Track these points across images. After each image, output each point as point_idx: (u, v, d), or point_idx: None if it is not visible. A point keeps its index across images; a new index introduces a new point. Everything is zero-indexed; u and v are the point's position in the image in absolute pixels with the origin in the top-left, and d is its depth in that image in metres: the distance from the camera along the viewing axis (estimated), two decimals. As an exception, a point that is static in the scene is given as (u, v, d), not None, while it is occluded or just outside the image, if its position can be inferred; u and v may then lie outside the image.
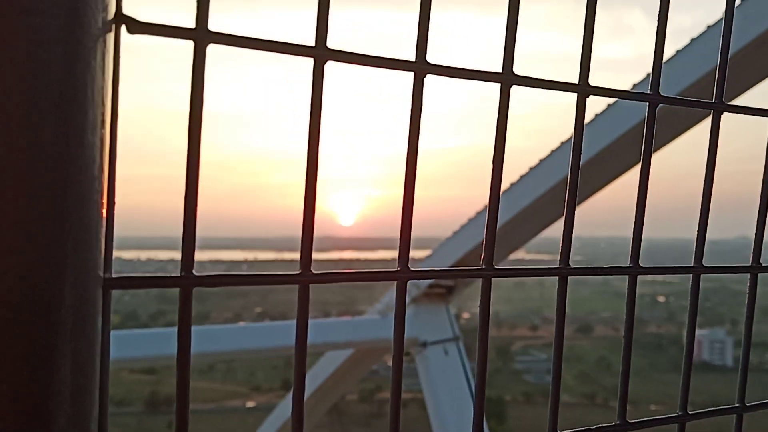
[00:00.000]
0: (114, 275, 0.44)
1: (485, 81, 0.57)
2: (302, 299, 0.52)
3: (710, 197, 0.71)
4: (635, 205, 0.68)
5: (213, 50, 0.46)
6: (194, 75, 0.46)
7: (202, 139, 0.46)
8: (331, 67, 0.51)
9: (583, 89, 0.61)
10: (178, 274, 0.46)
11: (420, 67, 0.53)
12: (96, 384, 0.41)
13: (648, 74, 0.67)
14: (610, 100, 3.21)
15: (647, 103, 0.66)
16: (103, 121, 0.40)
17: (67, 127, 0.37)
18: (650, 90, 0.66)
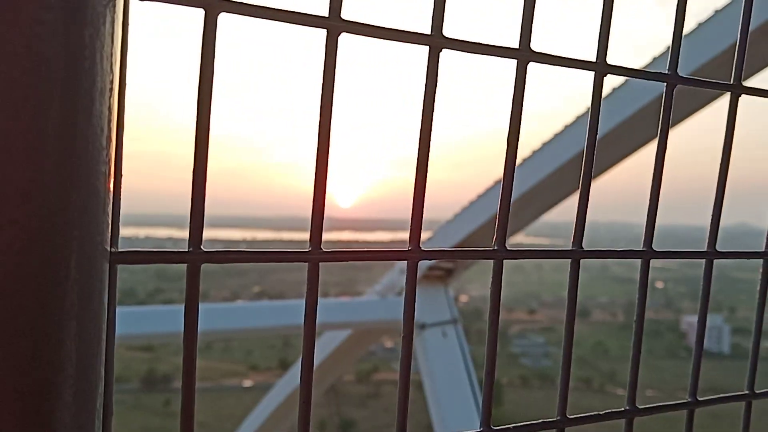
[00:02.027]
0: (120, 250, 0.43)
1: (502, 57, 0.55)
2: (312, 277, 0.50)
3: (725, 181, 0.69)
4: (649, 187, 0.66)
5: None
6: (204, 45, 0.44)
7: (211, 111, 0.45)
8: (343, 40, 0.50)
9: (600, 68, 0.60)
10: (186, 250, 0.45)
11: (435, 41, 0.52)
12: (102, 359, 0.40)
13: (666, 49, 0.66)
14: (616, 84, 3.18)
15: (665, 84, 0.64)
16: (111, 89, 0.38)
17: (75, 95, 0.36)
18: (668, 70, 0.64)
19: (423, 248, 0.55)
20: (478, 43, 0.54)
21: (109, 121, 0.39)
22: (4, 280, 0.34)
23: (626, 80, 3.24)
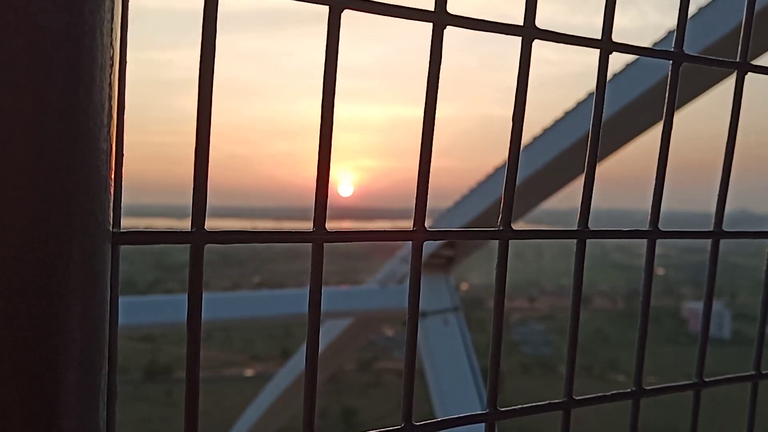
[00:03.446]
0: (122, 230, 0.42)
1: (506, 34, 0.55)
2: (316, 258, 0.50)
3: (731, 160, 0.69)
4: (653, 171, 0.65)
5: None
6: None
7: (212, 93, 0.44)
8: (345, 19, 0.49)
9: (606, 45, 0.59)
10: (189, 230, 0.44)
11: (440, 18, 0.51)
12: (105, 342, 0.39)
13: (669, 32, 0.65)
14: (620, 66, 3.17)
15: (670, 62, 0.64)
16: (111, 66, 0.38)
17: (76, 70, 0.35)
18: (674, 48, 0.64)
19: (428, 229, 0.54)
20: (482, 20, 0.53)
21: (110, 98, 0.38)
22: (6, 261, 0.34)
23: (625, 66, 3.23)
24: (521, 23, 0.55)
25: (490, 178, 4.39)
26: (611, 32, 0.60)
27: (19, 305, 0.34)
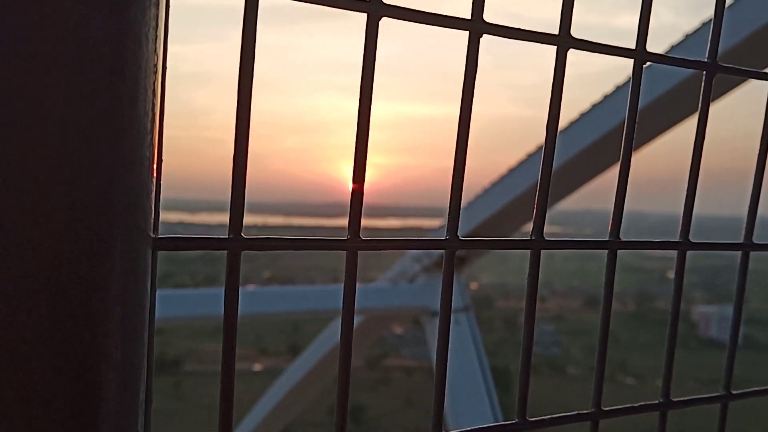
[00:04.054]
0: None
1: (542, 43, 0.55)
2: (350, 265, 0.50)
3: (764, 169, 0.68)
4: (687, 176, 0.65)
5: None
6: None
7: (252, 96, 0.44)
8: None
9: (640, 55, 0.59)
10: (226, 236, 0.44)
11: (476, 26, 0.51)
12: (145, 347, 0.39)
13: (686, 35, 0.65)
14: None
15: (704, 72, 0.63)
16: (155, 73, 0.38)
17: (121, 78, 0.35)
18: (708, 58, 0.63)
19: (460, 238, 0.54)
20: (518, 29, 0.53)
21: (153, 105, 0.38)
22: (51, 266, 0.34)
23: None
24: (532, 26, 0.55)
25: (504, 179, 4.38)
26: (645, 41, 0.59)
27: (60, 313, 0.34)
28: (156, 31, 0.38)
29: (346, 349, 0.50)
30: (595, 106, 3.69)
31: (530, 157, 4.10)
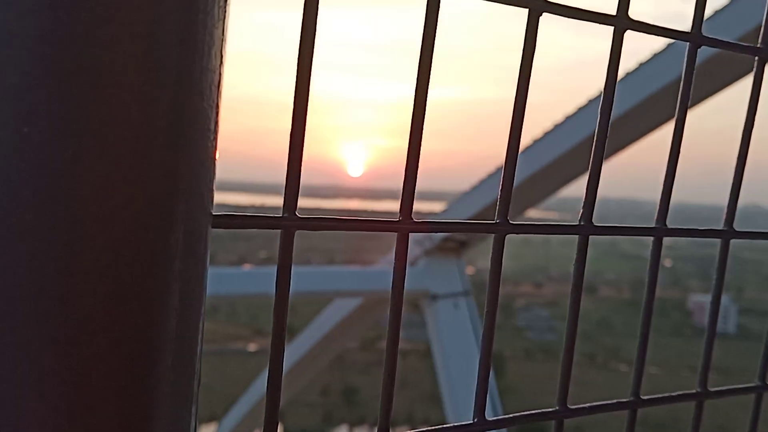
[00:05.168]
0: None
1: (600, 23, 0.53)
2: (401, 247, 0.49)
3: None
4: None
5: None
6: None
7: (311, 76, 0.43)
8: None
9: (696, 38, 0.57)
10: (280, 215, 0.43)
11: (535, 4, 0.50)
12: (199, 324, 0.38)
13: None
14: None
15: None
16: (220, 72, 0.37)
17: (189, 77, 0.34)
18: (761, 43, 0.62)
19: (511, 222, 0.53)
20: (577, 9, 0.52)
21: (216, 106, 0.37)
22: (118, 242, 0.33)
23: (639, 64, 3.19)
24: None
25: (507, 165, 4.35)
26: (701, 24, 0.58)
27: (122, 289, 0.33)
28: (222, 31, 0.37)
29: (393, 330, 0.49)
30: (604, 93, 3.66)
31: (535, 143, 4.07)
